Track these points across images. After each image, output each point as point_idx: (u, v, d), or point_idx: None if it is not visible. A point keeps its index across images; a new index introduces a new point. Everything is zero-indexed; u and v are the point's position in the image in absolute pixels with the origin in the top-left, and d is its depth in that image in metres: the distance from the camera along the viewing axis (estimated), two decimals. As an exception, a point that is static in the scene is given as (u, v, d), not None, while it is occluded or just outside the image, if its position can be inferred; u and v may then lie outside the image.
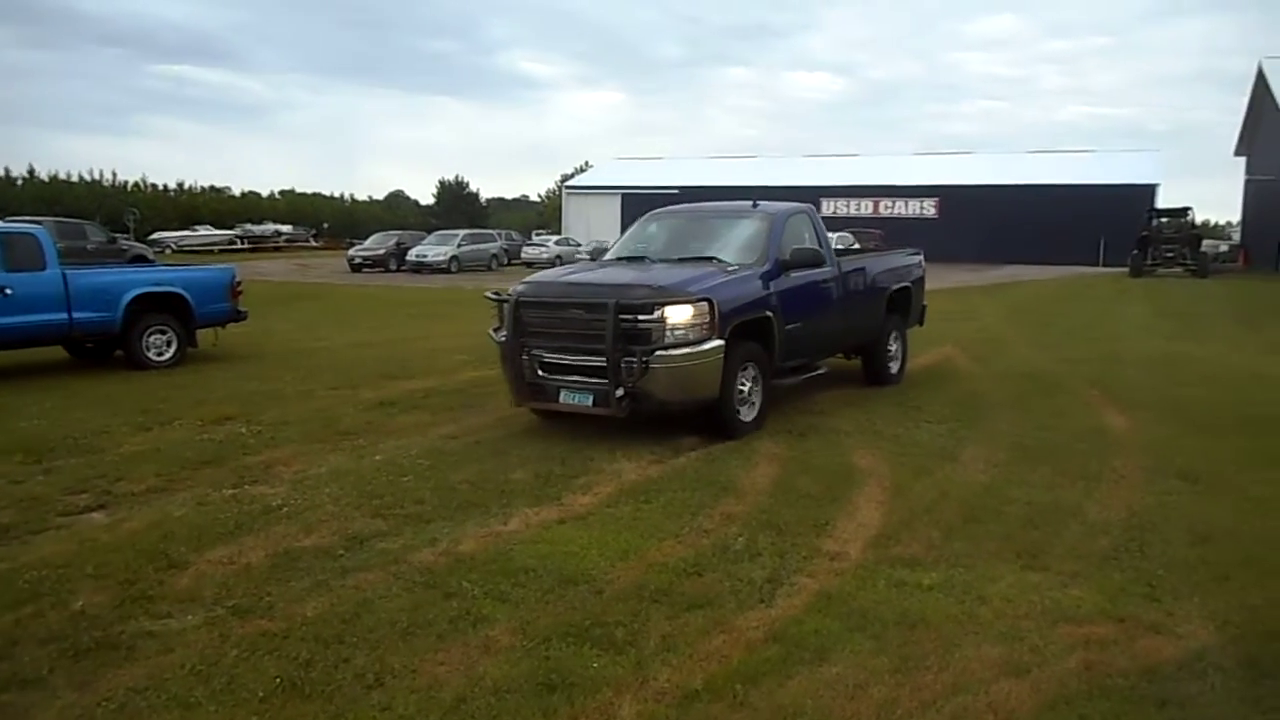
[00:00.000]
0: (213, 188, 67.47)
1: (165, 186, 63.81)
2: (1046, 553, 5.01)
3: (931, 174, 52.47)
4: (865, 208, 52.13)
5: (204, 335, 12.29)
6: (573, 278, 8.45)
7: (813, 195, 52.04)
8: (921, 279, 11.43)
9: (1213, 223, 73.00)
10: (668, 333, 7.07)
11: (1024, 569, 4.79)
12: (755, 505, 5.84)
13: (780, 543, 5.14)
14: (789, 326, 8.15)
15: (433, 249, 37.31)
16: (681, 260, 8.34)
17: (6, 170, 57.79)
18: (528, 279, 8.33)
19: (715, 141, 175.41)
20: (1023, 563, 4.87)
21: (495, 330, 8.21)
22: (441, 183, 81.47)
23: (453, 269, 36.18)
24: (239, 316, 12.64)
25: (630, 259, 8.84)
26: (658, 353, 7.01)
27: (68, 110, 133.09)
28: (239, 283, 12.69)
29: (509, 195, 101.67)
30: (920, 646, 3.89)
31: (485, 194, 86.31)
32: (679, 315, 7.10)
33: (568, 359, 7.42)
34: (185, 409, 8.91)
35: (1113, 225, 42.93)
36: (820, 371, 9.21)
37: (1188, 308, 21.34)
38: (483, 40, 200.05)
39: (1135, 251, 34.58)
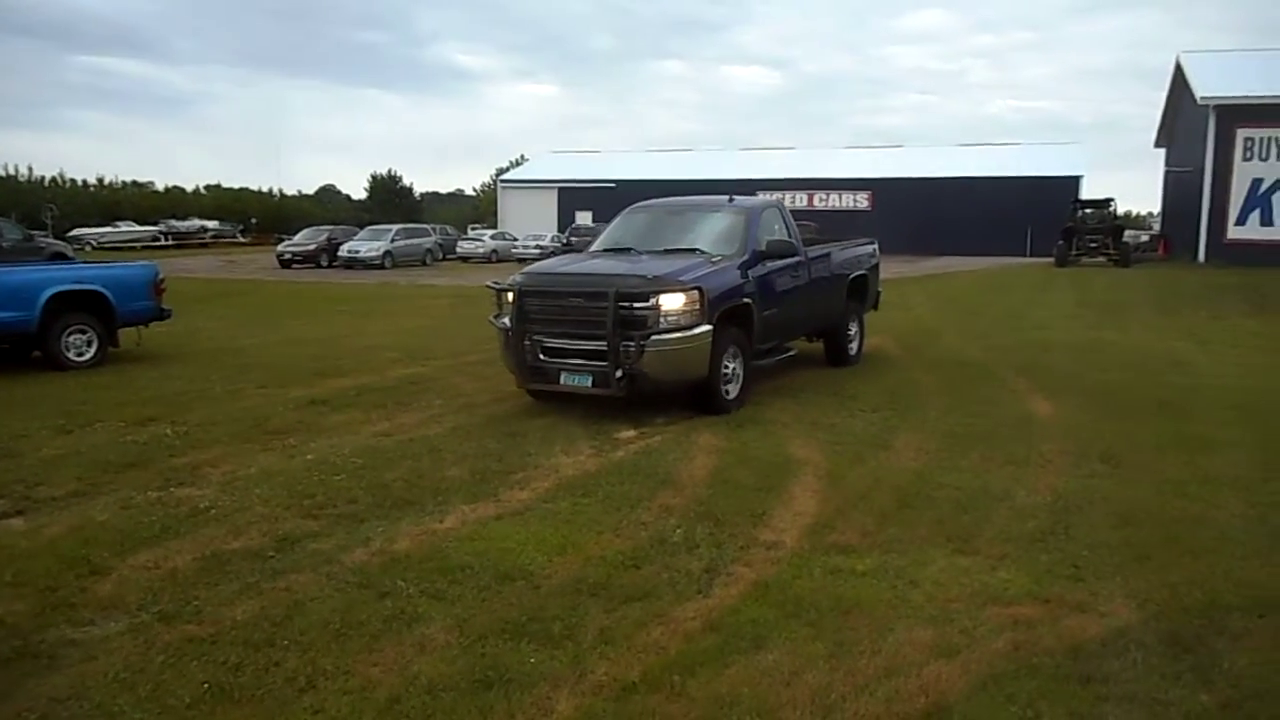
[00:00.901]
0: (135, 182, 65.64)
1: (85, 181, 61.95)
2: (976, 537, 5.13)
3: (864, 167, 53.15)
4: (800, 200, 52.50)
5: (126, 335, 11.91)
6: (571, 268, 9.11)
7: (749, 188, 52.38)
8: (877, 266, 12.29)
9: (1134, 213, 75.17)
10: (662, 318, 7.72)
11: (955, 553, 4.89)
12: (693, 497, 5.87)
13: (717, 533, 5.17)
14: (765, 312, 8.86)
15: (365, 244, 36.70)
16: (667, 252, 8.92)
17: (-86, 166, 55.50)
18: (527, 270, 9.07)
19: (650, 134, 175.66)
20: (953, 547, 4.97)
21: (495, 318, 8.80)
22: (374, 177, 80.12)
23: (386, 265, 35.63)
24: (162, 315, 12.29)
25: (618, 251, 9.39)
26: (653, 337, 7.67)
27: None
28: (162, 280, 12.33)
29: (444, 190, 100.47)
30: (855, 631, 3.95)
31: (419, 188, 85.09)
32: (673, 302, 7.76)
33: (568, 343, 8.04)
34: (107, 410, 8.64)
35: (1039, 216, 43.91)
36: (791, 353, 10.04)
37: (1110, 296, 21.97)
38: (414, 31, 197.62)
39: (1060, 242, 35.41)
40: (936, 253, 43.65)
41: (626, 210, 10.53)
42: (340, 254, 36.12)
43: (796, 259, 9.69)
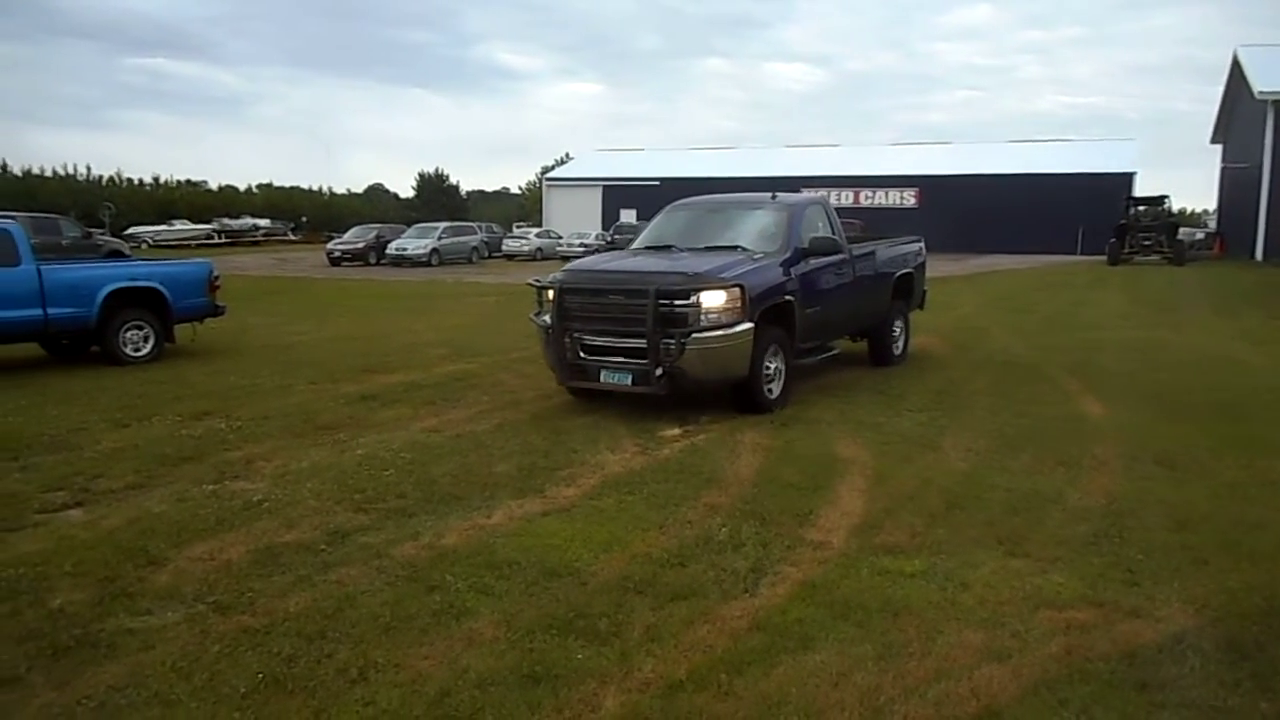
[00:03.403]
0: (189, 181, 66.77)
1: (141, 181, 63.10)
2: (1028, 539, 5.05)
3: (911, 164, 52.64)
4: (846, 198, 52.16)
5: (182, 330, 12.17)
6: (611, 265, 9.01)
7: (793, 186, 52.10)
8: (923, 265, 12.11)
9: (1189, 210, 73.59)
10: (703, 316, 7.66)
11: (1005, 555, 4.82)
12: (739, 495, 5.85)
13: (764, 532, 5.16)
14: (808, 310, 8.77)
15: (413, 242, 37.10)
16: (708, 249, 8.88)
17: (-22, 165, 57.02)
18: (567, 267, 9.02)
19: (694, 133, 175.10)
20: (1004, 549, 4.90)
21: (535, 315, 8.85)
22: (421, 175, 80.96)
23: (433, 262, 36.00)
24: (217, 311, 12.54)
25: (658, 248, 9.28)
26: (693, 335, 7.60)
27: (41, 104, 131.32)
28: (217, 277, 12.57)
29: (489, 188, 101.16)
30: (903, 634, 3.92)
31: (465, 186, 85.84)
32: (713, 300, 7.68)
33: (609, 341, 8.00)
34: (164, 405, 8.83)
35: (1090, 214, 43.21)
36: (833, 352, 9.85)
37: (1164, 295, 21.53)
38: (460, 32, 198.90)
39: (1113, 240, 34.81)
40: (985, 251, 43.12)
41: (668, 208, 10.46)
42: (388, 252, 36.55)
43: (840, 257, 9.53)
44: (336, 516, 5.51)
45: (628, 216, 51.46)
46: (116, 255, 26.59)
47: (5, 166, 57.85)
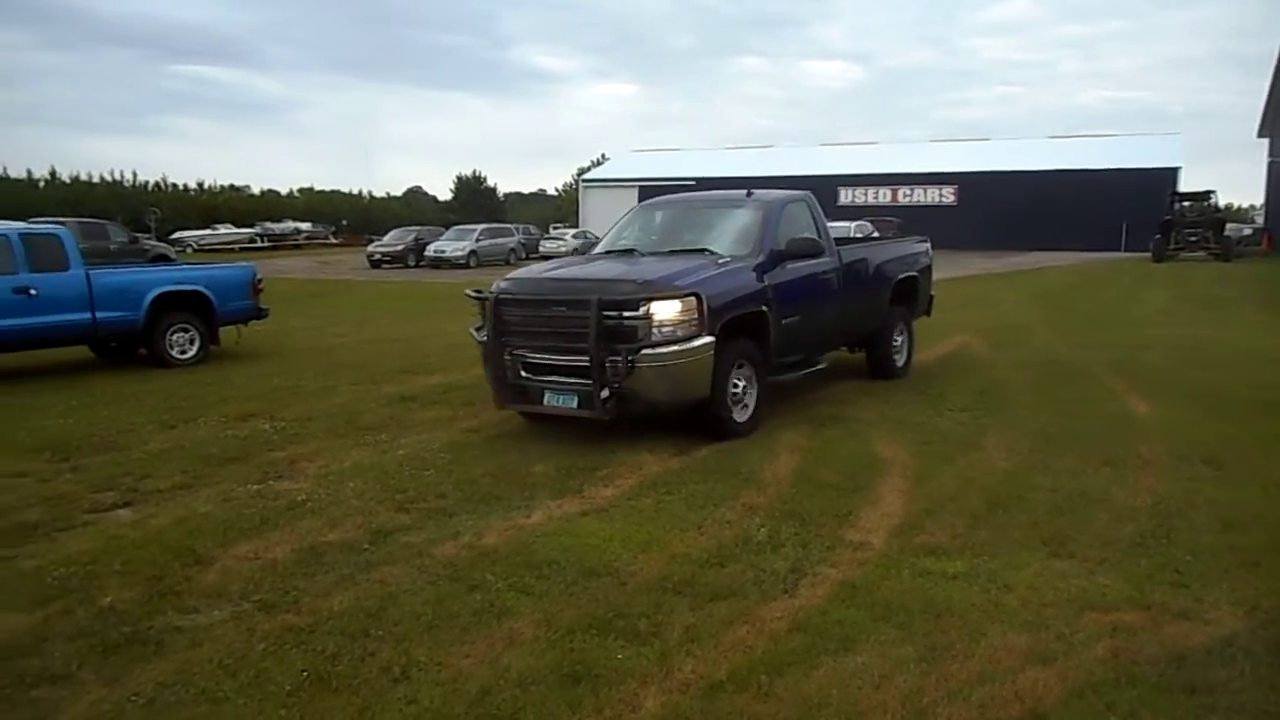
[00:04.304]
0: (232, 186, 67.85)
1: (185, 186, 64.21)
2: (1072, 540, 4.98)
3: (950, 161, 52.12)
4: (883, 196, 51.86)
5: (226, 333, 12.37)
6: (556, 273, 8.02)
7: (830, 184, 51.99)
8: (929, 268, 11.11)
9: (1236, 206, 72.09)
10: (654, 330, 6.75)
11: (1050, 557, 4.76)
12: (777, 496, 5.83)
13: (803, 533, 5.13)
14: (786, 320, 7.83)
15: (451, 244, 37.38)
16: (673, 253, 8.07)
17: (29, 172, 58.38)
18: (510, 275, 7.96)
19: (730, 132, 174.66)
20: (1048, 550, 4.84)
21: (477, 330, 7.93)
22: (459, 178, 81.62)
23: (471, 264, 36.24)
24: (260, 314, 12.73)
25: (620, 252, 8.52)
26: (644, 351, 6.70)
27: (88, 111, 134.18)
28: (260, 280, 12.77)
29: (526, 189, 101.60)
30: (946, 636, 3.88)
31: (503, 188, 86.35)
32: (666, 311, 6.77)
33: (551, 359, 7.12)
34: (209, 406, 8.98)
35: (1134, 210, 42.53)
36: (820, 367, 8.91)
37: (1211, 292, 21.11)
38: (496, 35, 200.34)
39: (1158, 236, 34.24)
40: (1026, 248, 42.61)
41: (636, 207, 9.72)
42: (427, 254, 36.86)
43: (825, 260, 8.59)
44: (378, 516, 5.57)
45: (664, 217, 51.30)
46: (162, 260, 27.04)
47: (54, 173, 59.19)
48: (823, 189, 54.26)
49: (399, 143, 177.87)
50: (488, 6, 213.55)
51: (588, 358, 6.78)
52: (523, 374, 7.28)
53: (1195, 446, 6.84)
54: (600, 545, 4.98)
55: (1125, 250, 42.31)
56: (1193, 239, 33.96)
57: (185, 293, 11.78)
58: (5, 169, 56.80)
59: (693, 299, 6.83)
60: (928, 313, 11.20)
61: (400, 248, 38.03)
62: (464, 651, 3.82)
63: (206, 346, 11.97)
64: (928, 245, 11.31)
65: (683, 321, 6.80)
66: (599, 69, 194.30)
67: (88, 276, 10.95)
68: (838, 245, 9.23)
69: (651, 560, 4.78)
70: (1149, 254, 34.33)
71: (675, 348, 6.75)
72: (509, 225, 45.54)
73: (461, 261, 36.11)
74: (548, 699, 3.42)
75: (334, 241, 58.95)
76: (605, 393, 6.78)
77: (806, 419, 7.95)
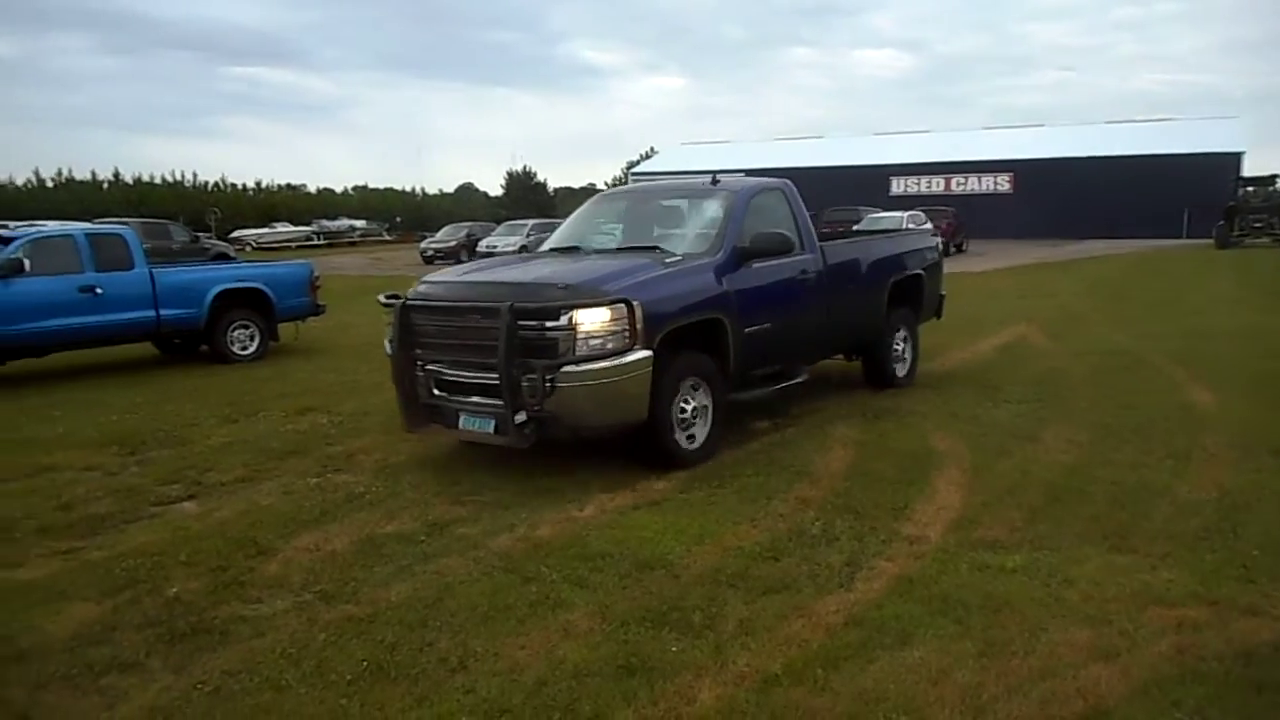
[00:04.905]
0: (289, 185, 69.04)
1: (244, 186, 65.44)
2: (1134, 534, 4.88)
3: (1004, 148, 51.12)
4: (937, 185, 51.06)
5: (285, 329, 12.63)
6: (475, 275, 7.11)
7: (882, 174, 51.44)
8: (938, 264, 9.91)
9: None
10: (579, 342, 5.76)
11: (1111, 551, 4.67)
12: (831, 489, 5.79)
13: (858, 526, 5.09)
14: (751, 329, 6.83)
15: (502, 239, 37.56)
16: (621, 250, 7.19)
17: (93, 173, 59.88)
18: (427, 277, 7.06)
19: (780, 123, 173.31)
20: (1110, 544, 4.75)
21: (390, 341, 6.70)
22: (509, 174, 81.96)
23: (522, 258, 36.41)
24: (318, 310, 12.96)
25: (564, 250, 7.59)
26: (567, 368, 5.73)
27: (148, 114, 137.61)
28: (317, 277, 13.00)
29: (576, 184, 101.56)
30: (1005, 630, 3.82)
31: (553, 184, 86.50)
32: (591, 320, 5.77)
33: (466, 376, 6.22)
34: (269, 401, 9.16)
35: (1195, 196, 41.36)
36: (800, 379, 7.74)
37: (1277, 279, 20.49)
38: (545, 30, 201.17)
39: (1221, 222, 33.32)
40: (1083, 236, 41.70)
41: (595, 198, 8.87)
42: (478, 249, 37.14)
43: (803, 258, 7.52)
44: (435, 508, 5.64)
45: (713, 209, 51.13)
46: (223, 258, 27.61)
47: (118, 174, 60.67)
48: (874, 179, 53.44)
49: (450, 139, 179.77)
50: (536, 2, 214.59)
51: (496, 375, 5.87)
52: (436, 392, 6.42)
53: (1261, 438, 6.65)
54: (653, 538, 4.99)
55: (1186, 237, 41.19)
56: (1257, 225, 32.97)
57: (245, 290, 12.04)
58: (71, 171, 58.35)
59: (621, 306, 5.82)
60: (938, 315, 10.08)
61: (453, 244, 38.39)
62: (520, 643, 3.86)
63: (266, 343, 12.23)
64: (936, 238, 10.39)
65: (612, 333, 5.80)
66: (647, 62, 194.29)
67: (152, 275, 11.24)
68: (862, 237, 8.77)
69: (704, 553, 4.78)
70: (1211, 241, 33.42)
71: (604, 364, 5.76)
72: (560, 220, 45.69)
73: (512, 256, 36.29)
74: (603, 690, 3.44)
75: (388, 238, 59.64)
76: (521, 416, 5.85)
77: (859, 411, 7.88)
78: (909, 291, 9.11)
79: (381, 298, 6.78)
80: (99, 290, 10.73)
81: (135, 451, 7.29)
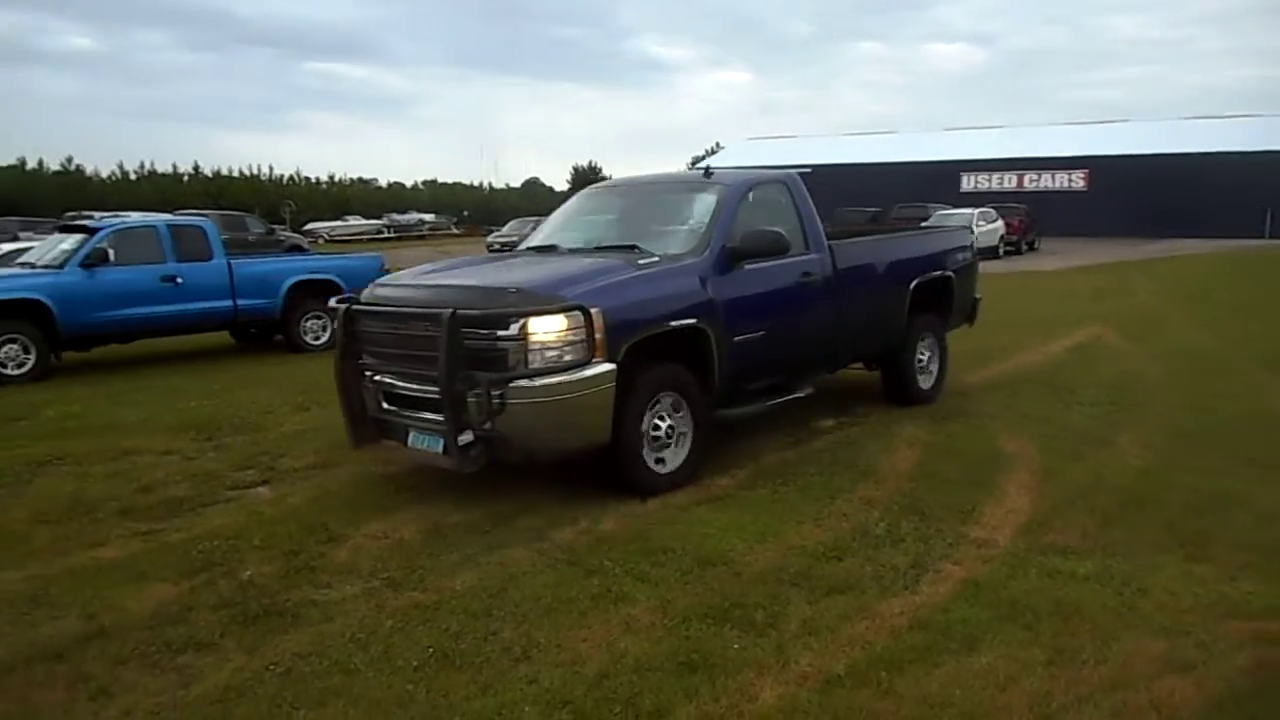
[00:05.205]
0: (360, 179, 70.52)
1: (317, 179, 67.11)
2: (1212, 543, 4.74)
3: (1079, 144, 49.84)
4: (1009, 182, 50.01)
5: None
6: (430, 278, 6.40)
7: (952, 170, 50.53)
8: (970, 265, 8.94)
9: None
10: (531, 354, 5.13)
11: (1187, 560, 4.54)
12: (896, 490, 5.72)
13: (923, 528, 5.03)
14: (741, 338, 6.16)
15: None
16: (596, 251, 6.51)
17: (174, 166, 61.95)
18: (384, 279, 6.68)
19: (847, 119, 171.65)
20: (1186, 553, 4.61)
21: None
22: (575, 169, 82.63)
23: (586, 252, 36.56)
24: (387, 302, 13.18)
25: (541, 249, 6.97)
26: (517, 382, 5.11)
27: (228, 109, 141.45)
28: (387, 270, 13.23)
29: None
30: (1076, 639, 3.74)
31: (618, 178, 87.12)
32: (545, 329, 5.13)
33: (414, 389, 5.62)
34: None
35: (1279, 196, 39.92)
36: (801, 394, 6.95)
37: (1372, 282, 19.68)
38: (612, 26, 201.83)
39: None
40: (1161, 235, 40.46)
41: (582, 193, 8.10)
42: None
43: (805, 259, 6.79)
44: (500, 499, 5.69)
45: (779, 205, 50.78)
46: (297, 250, 28.27)
47: (197, 168, 62.61)
48: (944, 175, 52.49)
49: (518, 134, 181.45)
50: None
51: (437, 388, 5.27)
52: (385, 405, 5.91)
53: (1352, 447, 6.40)
54: (715, 534, 4.99)
55: (1269, 237, 39.77)
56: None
57: (318, 281, 12.32)
58: (153, 164, 60.37)
59: (578, 314, 5.15)
60: (970, 321, 9.17)
61: (518, 238, 38.73)
62: (582, 635, 3.88)
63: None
64: (969, 235, 9.39)
65: (568, 343, 5.16)
66: (713, 58, 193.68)
67: (229, 266, 11.58)
68: (882, 235, 8.23)
69: (767, 551, 4.76)
70: (1300, 241, 32.22)
71: (560, 379, 5.13)
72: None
73: (577, 250, 36.46)
74: (664, 685, 3.45)
75: (456, 232, 60.45)
76: (467, 436, 5.24)
77: (926, 412, 7.77)
78: (936, 295, 8.24)
79: (333, 301, 6.34)
80: (179, 280, 11.08)
81: (212, 437, 7.51)
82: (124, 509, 5.72)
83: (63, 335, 10.63)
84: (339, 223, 53.55)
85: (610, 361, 5.28)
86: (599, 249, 6.55)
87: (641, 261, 5.93)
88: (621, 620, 4.01)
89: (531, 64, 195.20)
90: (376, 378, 5.92)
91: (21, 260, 11.96)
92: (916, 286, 7.90)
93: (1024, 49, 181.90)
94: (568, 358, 5.17)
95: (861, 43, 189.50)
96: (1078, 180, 48.95)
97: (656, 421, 5.74)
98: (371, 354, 5.94)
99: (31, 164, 57.94)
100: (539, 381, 5.11)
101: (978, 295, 9.14)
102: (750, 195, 6.74)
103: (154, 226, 11.51)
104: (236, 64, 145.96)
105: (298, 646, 3.86)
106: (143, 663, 3.77)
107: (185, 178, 61.34)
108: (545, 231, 7.54)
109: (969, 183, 50.51)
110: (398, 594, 4.36)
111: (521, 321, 5.12)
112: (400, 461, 6.25)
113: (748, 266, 6.28)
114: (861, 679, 3.46)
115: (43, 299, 10.36)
